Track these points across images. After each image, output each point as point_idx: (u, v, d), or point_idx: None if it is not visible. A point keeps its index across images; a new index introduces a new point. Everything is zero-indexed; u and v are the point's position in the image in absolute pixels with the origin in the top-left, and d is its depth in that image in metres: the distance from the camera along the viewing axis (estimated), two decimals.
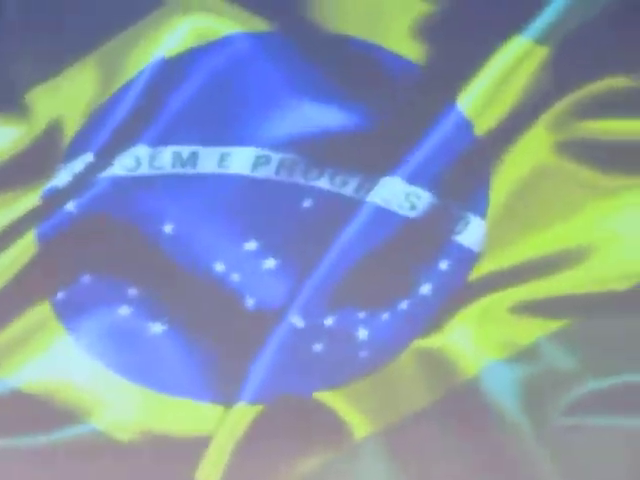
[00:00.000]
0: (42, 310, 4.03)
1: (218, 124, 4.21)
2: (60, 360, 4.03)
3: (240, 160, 4.10)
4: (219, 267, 3.95)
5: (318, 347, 3.90)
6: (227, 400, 3.94)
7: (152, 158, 4.13)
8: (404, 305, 3.87)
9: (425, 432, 3.89)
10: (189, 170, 4.16)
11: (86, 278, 3.98)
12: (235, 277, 3.96)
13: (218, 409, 3.96)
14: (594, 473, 3.75)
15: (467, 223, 3.97)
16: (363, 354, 3.91)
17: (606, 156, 3.97)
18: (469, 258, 4.01)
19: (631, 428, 3.76)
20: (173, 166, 4.15)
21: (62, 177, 4.08)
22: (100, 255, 4.02)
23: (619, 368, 3.78)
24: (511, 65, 4.01)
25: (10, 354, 3.99)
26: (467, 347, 3.90)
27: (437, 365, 3.92)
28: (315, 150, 4.04)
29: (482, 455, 3.87)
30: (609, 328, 3.84)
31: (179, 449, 3.90)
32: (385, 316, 3.89)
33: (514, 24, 4.03)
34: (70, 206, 4.01)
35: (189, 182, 4.15)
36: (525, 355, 3.88)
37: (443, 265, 3.96)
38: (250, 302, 3.96)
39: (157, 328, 3.94)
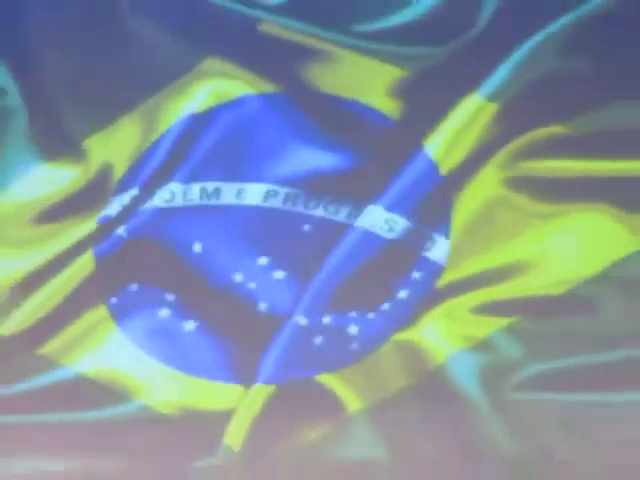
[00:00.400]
0: (99, 312, 4.96)
1: (236, 165, 5.16)
2: (113, 351, 4.94)
3: (254, 194, 5.06)
4: (238, 278, 4.89)
5: (318, 340, 4.83)
6: (246, 382, 4.85)
7: (184, 192, 5.10)
8: (386, 307, 4.81)
9: (403, 407, 4.84)
10: (213, 202, 5.12)
11: (134, 287, 4.91)
12: (251, 286, 4.89)
13: (239, 389, 4.87)
14: (537, 437, 4.71)
15: (434, 242, 4.94)
16: (354, 346, 4.86)
17: (544, 189, 4.94)
18: (436, 270, 4.96)
19: (565, 401, 4.75)
20: (200, 199, 5.12)
21: (113, 207, 5.01)
22: (144, 269, 4.97)
23: (556, 355, 4.77)
24: (468, 118, 5.01)
25: (74, 347, 4.91)
26: (436, 340, 4.84)
27: (412, 354, 4.86)
28: (313, 185, 5.00)
29: (448, 425, 4.80)
30: (548, 324, 4.83)
31: (209, 421, 4.80)
32: (371, 315, 4.84)
33: (470, 85, 5.01)
34: (120, 230, 4.94)
35: (213, 211, 5.12)
36: (482, 346, 4.81)
37: (416, 275, 4.91)
38: (263, 306, 4.89)
39: (190, 326, 4.88)
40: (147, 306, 4.96)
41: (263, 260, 5.01)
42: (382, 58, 5.19)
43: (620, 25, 4.79)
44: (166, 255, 5.03)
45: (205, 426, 4.76)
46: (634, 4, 4.79)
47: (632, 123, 4.95)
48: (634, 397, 4.69)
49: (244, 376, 4.88)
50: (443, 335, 4.92)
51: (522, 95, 5.01)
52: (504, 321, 4.89)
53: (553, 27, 4.95)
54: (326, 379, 4.78)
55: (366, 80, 5.13)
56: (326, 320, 4.86)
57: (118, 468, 4.67)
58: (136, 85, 5.23)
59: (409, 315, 4.93)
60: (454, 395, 4.82)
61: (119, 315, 4.95)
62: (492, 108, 4.98)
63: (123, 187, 5.17)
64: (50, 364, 4.84)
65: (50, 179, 5.20)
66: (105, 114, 5.21)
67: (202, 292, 4.99)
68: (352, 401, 4.71)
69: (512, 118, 5.01)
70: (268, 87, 5.21)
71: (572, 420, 4.70)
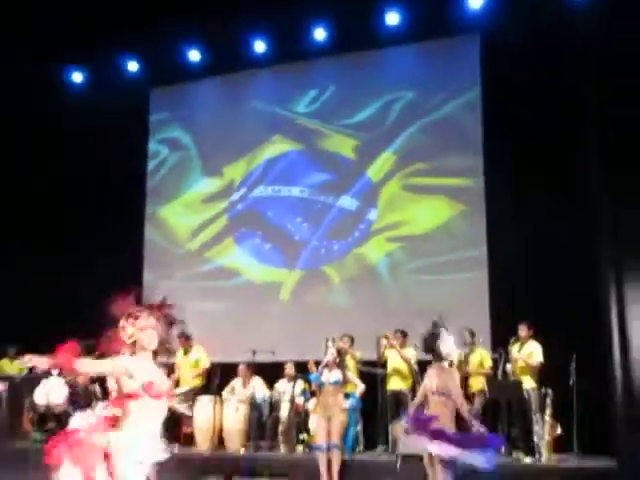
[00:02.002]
0: (229, 240, 12.04)
1: (287, 178, 12.25)
2: (237, 257, 12.01)
3: (294, 191, 12.00)
4: (288, 226, 11.71)
5: (322, 252, 11.68)
6: (291, 268, 11.80)
7: (265, 190, 12.30)
8: (349, 238, 11.55)
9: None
10: (278, 194, 12.22)
11: (243, 229, 12.07)
12: (292, 229, 11.92)
13: (285, 271, 11.89)
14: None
15: (372, 212, 11.63)
16: (335, 253, 11.60)
17: (416, 188, 11.53)
18: (371, 223, 11.64)
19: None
20: (272, 192, 12.28)
21: (235, 196, 12.43)
22: (249, 221, 12.16)
23: (425, 254, 11.34)
24: (382, 161, 11.66)
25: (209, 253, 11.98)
26: (372, 252, 11.57)
27: (361, 259, 11.59)
28: (318, 187, 11.79)
29: (374, 294, 11.44)
30: (416, 246, 11.43)
31: (270, 287, 11.90)
32: (341, 242, 11.58)
33: (385, 145, 11.60)
34: (239, 206, 12.11)
35: (278, 198, 12.35)
36: (390, 255, 11.45)
37: (362, 226, 11.63)
38: (297, 237, 12.01)
39: (267, 246, 11.84)
40: (250, 237, 11.93)
41: (298, 219, 11.88)
42: (350, 135, 11.84)
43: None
44: (258, 216, 12.10)
45: (269, 289, 11.65)
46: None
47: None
48: None
49: (289, 265, 11.83)
50: (375, 251, 11.58)
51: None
52: (398, 244, 11.46)
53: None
54: (327, 269, 11.60)
55: (342, 144, 11.87)
56: (328, 242, 11.64)
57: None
58: (246, 145, 12.31)
59: (360, 242, 11.59)
60: (376, 275, 11.42)
61: (238, 241, 11.93)
62: (392, 158, 11.61)
63: (239, 188, 12.43)
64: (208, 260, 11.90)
65: (208, 184, 12.30)
66: (232, 156, 12.31)
67: (272, 231, 11.96)
68: (338, 279, 11.37)
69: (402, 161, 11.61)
70: (299, 146, 12.15)
71: None
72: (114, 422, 4.49)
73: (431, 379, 6.42)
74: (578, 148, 8.92)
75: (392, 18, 11.73)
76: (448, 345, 6.49)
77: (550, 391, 9.42)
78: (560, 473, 8.93)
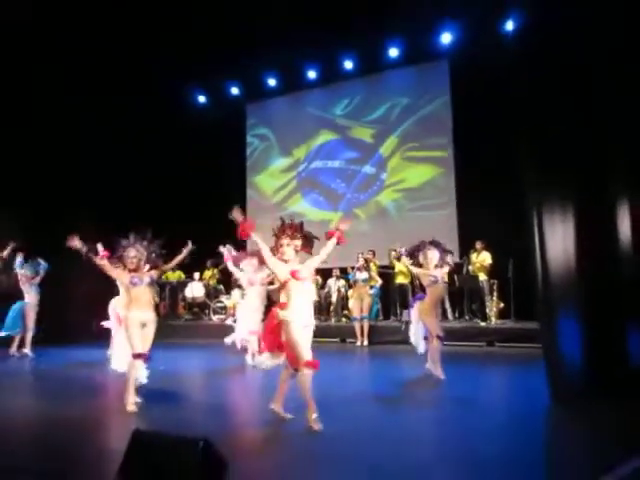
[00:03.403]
0: (297, 196, 12.83)
1: (329, 155, 12.81)
2: (302, 205, 12.82)
3: (333, 164, 12.80)
4: (332, 184, 12.68)
5: (353, 200, 12.49)
6: (335, 210, 12.50)
7: (315, 163, 12.91)
8: (368, 189, 12.44)
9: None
10: (323, 165, 12.90)
11: (315, 190, 12.82)
12: (335, 186, 12.66)
13: (332, 213, 12.51)
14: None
15: (383, 174, 12.55)
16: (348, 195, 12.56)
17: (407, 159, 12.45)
18: (383, 181, 12.41)
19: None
20: (322, 165, 12.91)
21: (300, 167, 12.96)
22: (313, 184, 12.86)
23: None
24: (390, 143, 12.38)
25: (285, 204, 12.87)
26: (387, 201, 12.50)
27: (378, 207, 12.50)
28: (348, 161, 12.78)
29: (386, 225, 12.25)
30: (406, 197, 12.35)
31: (323, 223, 12.13)
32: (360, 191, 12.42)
33: (391, 131, 12.44)
34: (303, 174, 12.87)
35: (323, 169, 12.86)
36: (407, 192, 12.39)
37: (378, 183, 12.45)
38: (338, 192, 12.60)
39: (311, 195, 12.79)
40: (309, 193, 12.78)
41: (338, 180, 12.59)
42: (369, 127, 12.42)
43: None
44: (314, 180, 12.78)
45: (322, 224, 12.17)
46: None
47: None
48: None
49: (334, 208, 12.50)
50: (386, 198, 12.22)
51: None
52: (400, 194, 12.20)
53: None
54: (357, 210, 12.47)
55: (364, 133, 12.52)
56: (357, 194, 12.49)
57: None
58: (305, 136, 12.89)
59: (376, 193, 12.28)
60: (387, 213, 12.25)
61: (303, 196, 12.81)
62: (396, 140, 12.20)
63: (302, 163, 12.97)
64: (285, 208, 12.81)
65: (284, 163, 13.13)
66: (297, 143, 12.95)
67: (323, 189, 12.66)
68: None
69: (402, 142, 12.22)
70: (337, 136, 12.64)
71: None
72: (282, 305, 4.27)
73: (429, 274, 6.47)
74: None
75: (393, 52, 11.83)
76: (432, 255, 6.49)
77: (496, 281, 9.90)
78: (502, 332, 9.27)
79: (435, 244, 6.62)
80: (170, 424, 4.29)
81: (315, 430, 4.08)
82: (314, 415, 4.13)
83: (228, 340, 7.63)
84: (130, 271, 5.07)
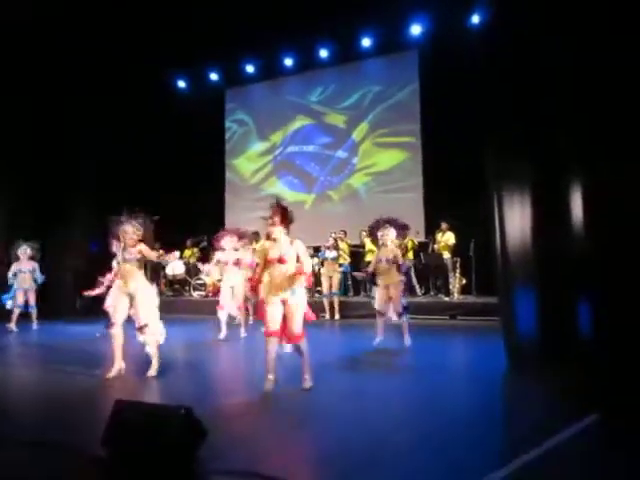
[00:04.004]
0: (273, 179, 12.77)
1: (305, 140, 12.69)
2: (278, 187, 12.68)
3: (309, 148, 12.76)
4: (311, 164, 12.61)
5: (327, 183, 12.56)
6: (309, 192, 12.55)
7: (290, 146, 12.80)
8: (344, 172, 12.48)
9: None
10: (300, 150, 12.81)
11: (290, 173, 12.75)
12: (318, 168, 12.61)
13: (306, 195, 12.51)
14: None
15: (354, 158, 12.51)
16: (335, 180, 12.59)
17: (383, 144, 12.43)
18: (354, 165, 12.38)
19: None
20: (298, 149, 12.81)
21: (276, 151, 12.87)
22: (288, 167, 12.79)
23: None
24: (363, 127, 12.46)
25: (262, 185, 12.78)
26: (358, 182, 12.53)
27: (350, 190, 12.55)
28: (325, 145, 12.72)
29: (357, 206, 12.35)
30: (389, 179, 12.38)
31: (298, 204, 12.21)
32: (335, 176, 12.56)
33: (361, 119, 12.41)
34: (279, 158, 12.74)
35: (300, 153, 12.80)
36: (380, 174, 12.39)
37: (351, 165, 12.47)
38: (313, 175, 12.59)
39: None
40: (285, 176, 12.71)
41: (312, 164, 12.54)
42: (342, 113, 12.34)
43: None
44: (290, 163, 12.67)
45: (297, 206, 12.35)
46: None
47: None
48: None
49: (308, 191, 12.55)
50: (357, 181, 12.21)
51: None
52: (370, 177, 12.18)
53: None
54: (330, 193, 12.49)
55: (337, 119, 12.50)
56: (330, 177, 12.48)
57: None
58: (282, 121, 12.73)
59: (348, 177, 12.28)
60: (358, 195, 12.33)
61: (279, 178, 12.73)
62: (367, 126, 12.16)
63: (279, 147, 12.80)
64: (262, 190, 12.72)
65: (261, 147, 12.91)
66: (274, 128, 12.82)
67: (298, 172, 12.59)
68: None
69: (372, 128, 12.31)
70: (312, 121, 12.54)
71: None
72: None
73: (379, 253, 6.60)
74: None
75: (366, 42, 11.76)
76: (388, 233, 6.51)
77: (459, 259, 10.06)
78: (465, 306, 9.45)
79: (390, 222, 6.64)
80: (153, 394, 4.33)
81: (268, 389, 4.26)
82: (270, 376, 4.33)
83: (222, 316, 7.49)
84: (126, 246, 5.01)
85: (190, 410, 2.88)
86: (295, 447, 3.18)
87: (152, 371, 4.84)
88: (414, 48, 11.69)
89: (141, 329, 4.91)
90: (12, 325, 8.81)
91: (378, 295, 6.50)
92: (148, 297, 5.01)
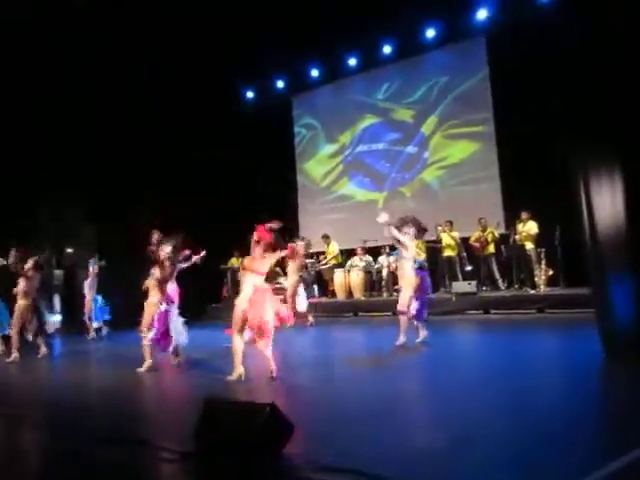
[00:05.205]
0: (344, 180, 12.68)
1: (373, 138, 12.50)
2: (349, 188, 12.84)
3: (378, 146, 12.52)
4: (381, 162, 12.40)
5: (398, 179, 12.27)
6: (381, 191, 12.33)
7: (361, 146, 12.67)
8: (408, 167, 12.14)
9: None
10: (368, 149, 12.65)
11: (360, 172, 12.68)
12: (381, 166, 12.41)
13: (378, 193, 12.37)
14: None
15: (426, 152, 12.16)
16: (393, 175, 12.25)
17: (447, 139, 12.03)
18: (426, 159, 12.05)
19: None
20: (367, 148, 12.66)
21: (346, 152, 12.88)
22: (359, 167, 12.73)
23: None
24: (431, 122, 12.01)
25: (334, 187, 12.83)
26: (431, 178, 12.18)
27: (422, 185, 12.20)
28: (391, 141, 12.47)
29: (431, 201, 11.98)
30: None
31: (370, 203, 12.27)
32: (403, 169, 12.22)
33: (430, 112, 12.11)
34: (349, 158, 12.79)
35: (369, 151, 12.63)
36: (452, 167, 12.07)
37: (422, 160, 12.08)
38: (384, 172, 12.44)
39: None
40: (356, 176, 12.64)
41: (383, 161, 12.32)
42: (410, 108, 12.08)
43: None
44: (360, 162, 12.66)
45: (369, 204, 12.19)
46: None
47: None
48: None
49: (380, 188, 12.34)
50: (429, 176, 11.91)
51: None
52: (442, 171, 11.78)
53: None
54: (402, 189, 12.14)
55: (405, 114, 12.19)
56: (401, 173, 12.19)
57: None
58: (349, 121, 12.72)
59: (420, 172, 12.00)
60: (431, 189, 11.89)
61: (350, 179, 12.71)
62: (436, 119, 11.80)
63: (348, 148, 12.82)
64: (333, 192, 12.74)
65: (330, 149, 12.94)
66: (342, 129, 12.81)
67: (368, 171, 12.58)
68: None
69: (442, 120, 11.82)
70: (380, 119, 12.34)
71: None
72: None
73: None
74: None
75: (430, 33, 11.52)
76: (409, 232, 6.64)
77: (544, 249, 9.56)
78: (552, 298, 9.10)
79: (411, 221, 6.73)
80: (236, 393, 4.48)
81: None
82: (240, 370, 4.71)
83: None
84: (160, 264, 5.53)
85: (275, 407, 2.95)
86: (379, 441, 3.14)
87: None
88: (481, 34, 11.26)
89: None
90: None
91: (404, 293, 6.66)
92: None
